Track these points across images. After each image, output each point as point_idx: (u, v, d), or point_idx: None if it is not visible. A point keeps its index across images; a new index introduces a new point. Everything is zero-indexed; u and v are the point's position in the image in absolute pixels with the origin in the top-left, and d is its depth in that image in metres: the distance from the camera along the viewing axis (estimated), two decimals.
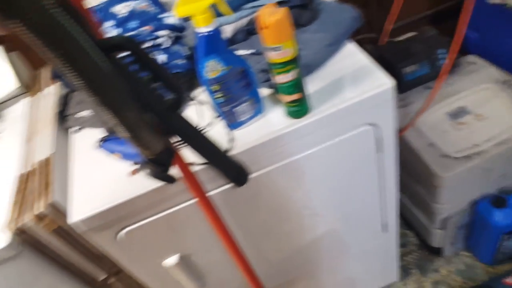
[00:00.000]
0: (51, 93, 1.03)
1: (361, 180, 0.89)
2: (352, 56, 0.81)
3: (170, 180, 0.57)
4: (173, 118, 0.54)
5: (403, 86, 1.19)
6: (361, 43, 0.84)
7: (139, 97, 0.49)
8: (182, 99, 0.52)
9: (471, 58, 1.31)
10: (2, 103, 1.07)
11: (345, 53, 0.82)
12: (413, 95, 1.22)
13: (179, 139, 0.57)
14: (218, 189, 0.77)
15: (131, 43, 0.45)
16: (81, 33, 0.39)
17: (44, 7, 0.35)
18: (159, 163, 0.54)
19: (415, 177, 1.22)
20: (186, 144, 0.59)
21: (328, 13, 0.85)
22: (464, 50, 1.37)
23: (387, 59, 1.18)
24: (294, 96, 0.69)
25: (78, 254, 0.86)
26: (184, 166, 0.61)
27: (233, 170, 0.65)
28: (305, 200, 0.89)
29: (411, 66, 1.16)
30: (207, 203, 0.69)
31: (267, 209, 0.87)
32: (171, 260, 0.86)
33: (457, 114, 1.17)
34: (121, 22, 0.83)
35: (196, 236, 0.86)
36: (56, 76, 0.96)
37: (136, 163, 0.78)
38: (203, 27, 0.61)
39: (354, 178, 0.88)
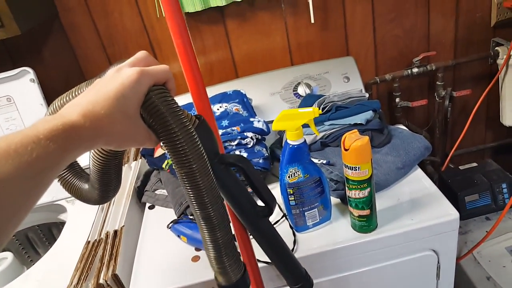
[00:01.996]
0: (134, 167, 1.14)
1: None
2: (420, 182, 0.86)
3: None
4: (262, 224, 0.60)
5: (463, 214, 1.20)
6: (423, 164, 0.89)
7: (239, 203, 0.57)
8: (272, 210, 0.58)
9: None
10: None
11: (413, 177, 0.88)
12: (472, 224, 1.23)
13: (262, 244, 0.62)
14: None
15: (245, 162, 0.54)
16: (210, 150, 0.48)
17: (188, 130, 0.44)
18: None
19: None
20: (267, 250, 0.64)
21: (401, 139, 0.93)
22: None
23: (449, 185, 1.22)
24: (364, 212, 0.75)
25: None
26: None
27: (300, 280, 0.68)
28: None
29: (473, 195, 1.19)
30: None
31: None
32: None
33: None
34: (215, 120, 0.95)
35: None
36: (143, 154, 1.08)
37: (198, 250, 0.83)
38: (293, 141, 0.71)
39: None
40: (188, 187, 0.46)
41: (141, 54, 0.47)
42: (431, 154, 1.52)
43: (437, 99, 1.41)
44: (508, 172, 1.23)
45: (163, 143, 0.45)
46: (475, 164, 1.29)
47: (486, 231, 1.10)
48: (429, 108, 1.50)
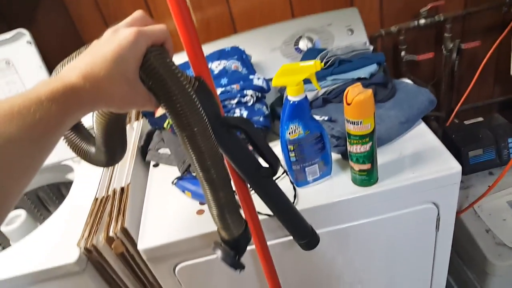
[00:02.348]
0: (136, 127, 1.15)
1: (415, 256, 0.91)
2: (423, 136, 0.86)
3: (239, 267, 0.58)
4: (266, 185, 0.60)
5: (466, 169, 1.20)
6: (427, 119, 0.88)
7: (242, 165, 0.57)
8: (276, 171, 0.59)
9: None
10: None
11: (416, 132, 0.87)
12: (474, 179, 1.23)
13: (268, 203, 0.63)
14: (274, 240, 0.81)
15: (247, 124, 0.54)
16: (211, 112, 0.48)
17: (188, 93, 0.44)
18: (234, 247, 0.57)
19: (465, 260, 1.20)
20: (272, 209, 0.65)
21: (405, 93, 0.91)
22: None
23: (453, 140, 1.21)
24: (365, 166, 0.75)
25: (133, 280, 0.91)
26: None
27: (307, 235, 0.70)
28: (351, 268, 0.91)
29: (477, 150, 1.18)
30: (266, 254, 0.74)
31: (312, 268, 0.89)
32: None
33: None
34: (214, 78, 0.94)
35: (245, 283, 0.89)
36: (145, 114, 1.08)
37: (202, 204, 0.85)
38: (294, 96, 0.70)
39: (408, 253, 0.90)
40: (190, 150, 0.47)
41: (137, 13, 0.46)
42: (436, 110, 1.51)
43: (444, 52, 1.37)
44: None
45: (163, 106, 0.45)
46: (481, 119, 1.28)
47: (489, 186, 1.10)
48: (435, 62, 1.46)
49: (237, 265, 0.58)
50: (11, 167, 0.33)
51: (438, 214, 0.82)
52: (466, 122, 1.28)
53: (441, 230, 0.86)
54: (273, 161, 0.58)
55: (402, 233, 0.85)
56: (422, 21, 1.30)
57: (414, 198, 0.79)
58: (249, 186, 0.62)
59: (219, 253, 0.57)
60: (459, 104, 1.40)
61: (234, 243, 0.57)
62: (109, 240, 0.82)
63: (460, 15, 1.31)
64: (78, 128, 0.53)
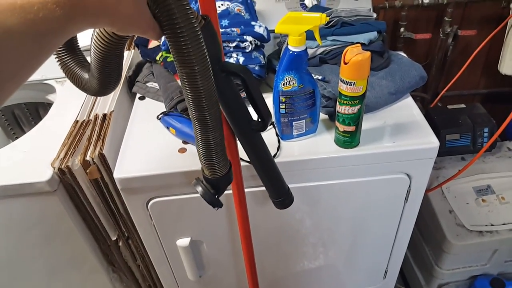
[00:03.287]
0: (127, 56, 1.12)
1: (380, 224, 0.95)
2: (409, 109, 0.88)
3: (218, 205, 0.59)
4: (253, 138, 0.61)
5: (442, 151, 1.25)
6: (413, 99, 0.91)
7: (234, 114, 0.57)
8: (267, 125, 0.60)
9: (510, 144, 1.36)
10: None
11: (403, 104, 0.89)
12: (447, 161, 1.28)
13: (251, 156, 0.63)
14: (247, 189, 0.80)
15: (247, 74, 0.54)
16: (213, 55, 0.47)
17: (195, 29, 0.43)
18: (215, 186, 0.58)
19: (424, 236, 1.27)
20: (254, 162, 0.66)
21: (398, 65, 0.92)
22: (505, 136, 1.43)
23: (434, 121, 1.24)
24: (350, 128, 0.77)
25: (103, 209, 0.91)
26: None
27: (282, 194, 0.72)
28: (318, 228, 0.94)
29: (454, 134, 1.22)
30: (242, 200, 0.76)
31: (280, 223, 0.92)
32: (184, 241, 0.90)
33: (483, 191, 1.22)
34: None
35: (215, 226, 0.91)
36: (137, 43, 1.05)
37: (185, 142, 0.85)
38: (295, 47, 0.70)
39: (374, 220, 0.94)
40: (187, 88, 0.46)
41: None
42: (423, 91, 1.54)
43: (441, 35, 1.39)
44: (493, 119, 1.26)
45: (166, 37, 0.43)
46: (463, 106, 1.31)
47: (459, 170, 1.15)
48: (431, 44, 1.47)
49: (216, 203, 0.59)
50: (8, 60, 0.33)
51: (410, 186, 0.86)
52: (449, 107, 1.31)
53: (409, 202, 0.89)
54: (266, 116, 0.59)
55: (373, 199, 0.88)
56: (426, 0, 1.29)
57: (390, 167, 0.82)
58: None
59: (199, 189, 0.58)
60: (445, 89, 1.43)
61: (215, 182, 0.58)
62: (85, 164, 0.81)
63: (462, 1, 1.32)
64: (74, 50, 0.51)
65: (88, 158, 0.81)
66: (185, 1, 0.42)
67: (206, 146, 0.52)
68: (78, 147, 0.84)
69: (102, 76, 0.50)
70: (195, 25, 0.43)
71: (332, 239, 0.98)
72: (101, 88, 0.52)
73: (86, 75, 0.52)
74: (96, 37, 0.47)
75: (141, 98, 0.98)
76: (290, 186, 0.78)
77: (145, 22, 0.42)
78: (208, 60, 0.45)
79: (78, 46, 0.51)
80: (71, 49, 0.51)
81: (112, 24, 0.42)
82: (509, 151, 1.34)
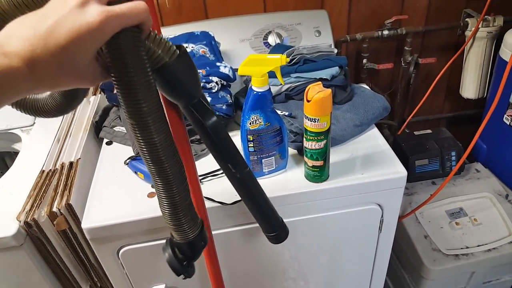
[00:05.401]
0: (93, 101, 1.11)
1: (357, 254, 0.95)
2: (374, 140, 0.90)
3: (188, 274, 0.52)
4: (244, 176, 0.60)
5: (412, 177, 1.27)
6: (380, 127, 0.93)
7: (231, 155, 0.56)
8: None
9: (478, 166, 1.40)
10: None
11: (369, 135, 0.91)
12: (419, 187, 1.31)
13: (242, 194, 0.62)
14: (220, 230, 0.81)
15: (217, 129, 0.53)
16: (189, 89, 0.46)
17: (147, 73, 0.39)
18: (185, 251, 0.50)
19: (403, 263, 1.27)
20: (247, 199, 0.64)
21: (362, 98, 0.95)
22: (473, 157, 1.47)
23: (402, 148, 1.27)
24: (318, 163, 0.77)
25: (73, 260, 0.88)
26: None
27: (277, 228, 0.70)
28: (295, 262, 0.93)
29: (423, 160, 1.25)
30: (212, 249, 0.73)
31: (256, 260, 0.91)
32: None
33: (456, 214, 1.24)
34: None
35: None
36: (103, 88, 1.04)
37: (153, 187, 0.84)
38: (258, 87, 0.71)
39: (351, 251, 0.94)
40: (141, 143, 0.41)
41: None
42: (389, 118, 1.58)
43: (403, 64, 1.44)
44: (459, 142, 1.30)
45: (113, 81, 0.39)
46: (429, 131, 1.35)
47: (430, 194, 1.17)
48: (393, 73, 1.53)
49: (186, 272, 0.52)
50: None
51: (382, 215, 0.86)
52: (416, 133, 1.35)
53: (383, 232, 0.90)
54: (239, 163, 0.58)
55: (347, 231, 0.89)
56: (385, 32, 1.35)
57: (361, 198, 0.83)
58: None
59: (165, 255, 0.51)
60: (411, 115, 1.47)
61: (187, 247, 0.50)
62: (52, 216, 0.79)
63: (420, 31, 1.38)
64: None
65: (55, 209, 0.79)
66: (145, 55, 0.39)
67: (171, 203, 0.46)
68: (44, 198, 0.82)
69: (67, 94, 0.46)
70: (149, 73, 0.39)
71: (311, 272, 0.97)
72: (65, 106, 0.48)
73: (40, 96, 0.47)
74: None
75: (108, 143, 0.97)
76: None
77: (92, 76, 0.39)
78: (162, 108, 0.41)
79: None
80: None
81: (52, 90, 0.39)
82: (477, 172, 1.37)
